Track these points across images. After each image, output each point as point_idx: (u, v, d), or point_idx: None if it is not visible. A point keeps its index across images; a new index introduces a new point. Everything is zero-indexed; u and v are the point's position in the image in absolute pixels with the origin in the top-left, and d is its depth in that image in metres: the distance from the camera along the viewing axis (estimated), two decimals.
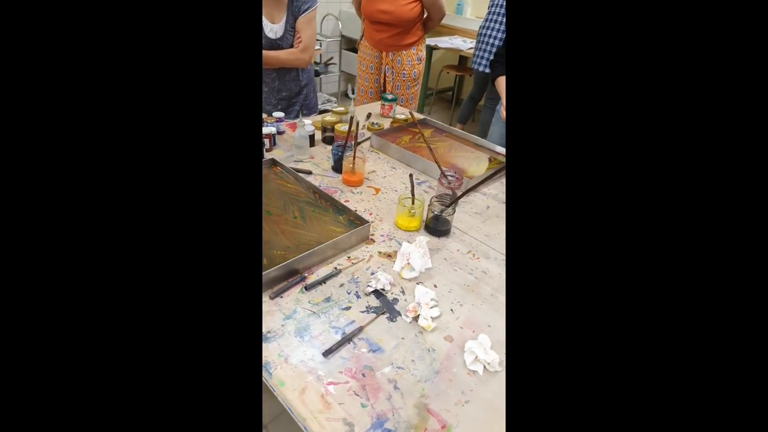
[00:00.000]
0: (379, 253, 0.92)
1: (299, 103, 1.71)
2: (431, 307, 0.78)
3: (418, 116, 1.66)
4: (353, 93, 3.91)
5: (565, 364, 0.36)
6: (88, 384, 0.34)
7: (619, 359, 0.35)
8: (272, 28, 1.50)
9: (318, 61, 3.45)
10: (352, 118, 1.12)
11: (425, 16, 1.91)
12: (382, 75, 2.02)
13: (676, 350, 0.34)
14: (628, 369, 0.35)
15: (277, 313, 0.75)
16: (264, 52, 1.50)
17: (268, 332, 0.71)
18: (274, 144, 1.34)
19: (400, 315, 0.77)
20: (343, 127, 1.30)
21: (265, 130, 1.33)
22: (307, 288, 0.80)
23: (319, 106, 3.05)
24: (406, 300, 0.80)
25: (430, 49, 3.23)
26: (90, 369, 0.34)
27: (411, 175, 1.03)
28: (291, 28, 1.52)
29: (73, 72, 0.33)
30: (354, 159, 1.15)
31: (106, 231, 0.35)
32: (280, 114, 1.43)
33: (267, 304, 0.76)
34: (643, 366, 0.34)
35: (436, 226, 1.01)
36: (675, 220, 0.34)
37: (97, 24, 0.33)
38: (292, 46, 1.55)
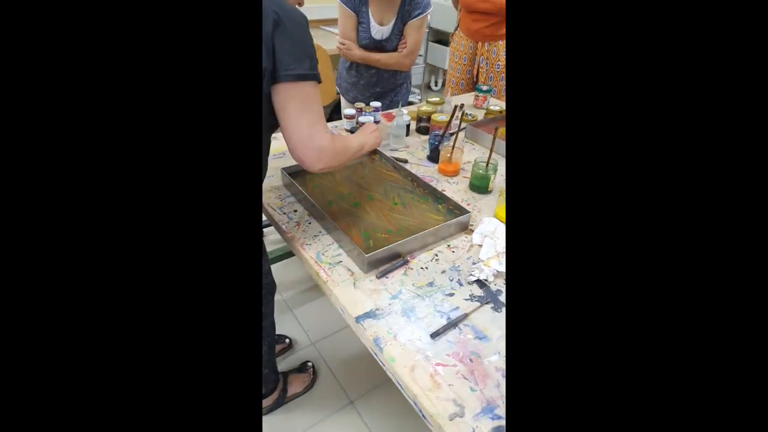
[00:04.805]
0: (480, 245, 0.91)
1: (389, 98, 1.73)
2: None
3: None
4: (436, 85, 3.88)
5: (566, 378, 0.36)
6: (86, 380, 0.34)
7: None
8: (379, 29, 1.50)
9: None
10: (456, 106, 1.12)
11: None
12: (476, 66, 1.98)
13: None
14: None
15: (384, 292, 0.78)
16: (366, 53, 1.53)
17: (377, 309, 0.74)
18: None
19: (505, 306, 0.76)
20: (440, 117, 1.30)
21: (363, 119, 1.37)
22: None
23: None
24: None
25: None
26: (88, 362, 0.34)
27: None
28: (398, 31, 1.51)
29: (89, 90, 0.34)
30: (453, 149, 1.15)
31: (100, 227, 0.35)
32: (377, 103, 1.47)
33: (374, 283, 0.80)
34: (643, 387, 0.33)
35: None
36: (675, 222, 0.34)
37: (101, 25, 0.34)
38: (395, 49, 1.55)
